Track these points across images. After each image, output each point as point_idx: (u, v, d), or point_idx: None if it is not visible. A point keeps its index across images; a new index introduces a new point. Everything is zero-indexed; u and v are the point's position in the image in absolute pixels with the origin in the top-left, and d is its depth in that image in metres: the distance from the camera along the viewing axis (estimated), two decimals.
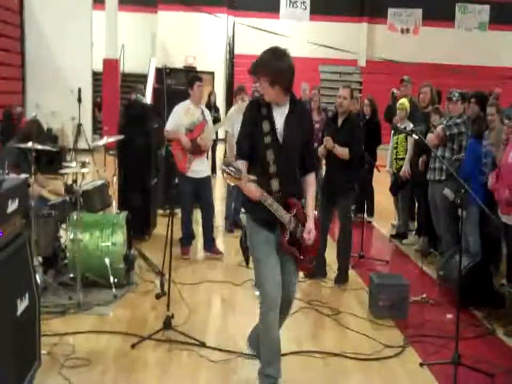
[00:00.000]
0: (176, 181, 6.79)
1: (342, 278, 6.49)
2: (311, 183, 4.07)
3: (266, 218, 3.83)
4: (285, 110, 3.90)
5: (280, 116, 3.88)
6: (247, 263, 4.12)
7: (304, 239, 3.93)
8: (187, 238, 7.23)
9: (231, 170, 3.48)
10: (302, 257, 3.99)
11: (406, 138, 8.14)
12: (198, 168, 7.01)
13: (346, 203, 6.55)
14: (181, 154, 6.95)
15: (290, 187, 3.90)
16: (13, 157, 5.57)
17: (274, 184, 3.83)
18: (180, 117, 6.97)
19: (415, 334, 5.17)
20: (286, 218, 3.83)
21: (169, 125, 7.00)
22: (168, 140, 7.41)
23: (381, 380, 4.43)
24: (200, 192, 7.14)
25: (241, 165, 3.74)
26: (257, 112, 3.87)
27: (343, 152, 6.31)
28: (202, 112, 7.17)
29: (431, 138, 6.84)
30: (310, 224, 3.96)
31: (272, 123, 3.85)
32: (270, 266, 3.88)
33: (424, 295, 6.02)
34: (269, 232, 3.90)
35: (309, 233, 3.93)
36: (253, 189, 3.64)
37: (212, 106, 12.15)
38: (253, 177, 3.64)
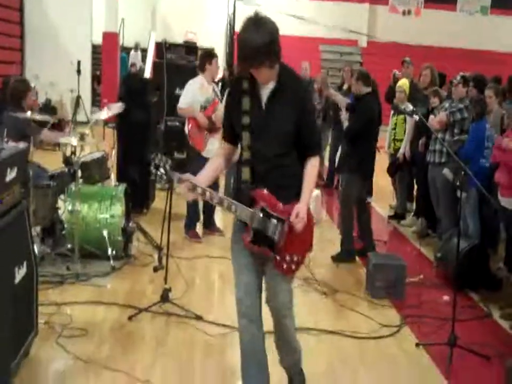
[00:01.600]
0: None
1: (337, 257, 6.49)
2: (309, 166, 3.32)
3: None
4: (271, 85, 3.21)
5: (264, 93, 3.23)
6: None
7: (283, 236, 3.24)
8: (194, 220, 7.07)
9: (161, 173, 3.14)
10: (277, 257, 3.26)
11: (405, 120, 8.11)
12: (211, 147, 6.68)
13: (344, 182, 6.56)
14: (197, 132, 6.72)
15: (268, 178, 3.22)
16: (10, 125, 5.50)
17: (245, 172, 3.22)
18: (195, 94, 6.71)
19: (411, 314, 5.17)
20: (244, 215, 3.20)
21: (184, 102, 6.72)
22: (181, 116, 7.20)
23: (377, 359, 4.44)
24: None
25: (214, 157, 3.48)
26: (239, 87, 3.25)
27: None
28: (214, 89, 7.02)
29: (433, 122, 6.80)
30: (300, 205, 3.23)
31: (252, 100, 3.22)
32: (238, 269, 3.39)
33: (421, 276, 6.02)
34: (240, 231, 3.33)
35: (296, 216, 3.19)
36: (182, 192, 3.16)
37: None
38: (185, 176, 3.18)
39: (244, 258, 3.34)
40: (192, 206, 6.94)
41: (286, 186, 3.27)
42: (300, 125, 3.23)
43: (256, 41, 2.99)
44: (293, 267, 3.32)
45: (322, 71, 10.93)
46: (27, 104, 5.87)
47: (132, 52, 19.41)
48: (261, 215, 3.20)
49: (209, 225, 7.20)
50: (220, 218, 7.69)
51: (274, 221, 3.21)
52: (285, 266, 3.28)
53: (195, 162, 6.33)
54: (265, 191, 3.21)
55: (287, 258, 3.28)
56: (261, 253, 3.27)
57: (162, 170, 3.11)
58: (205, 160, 6.74)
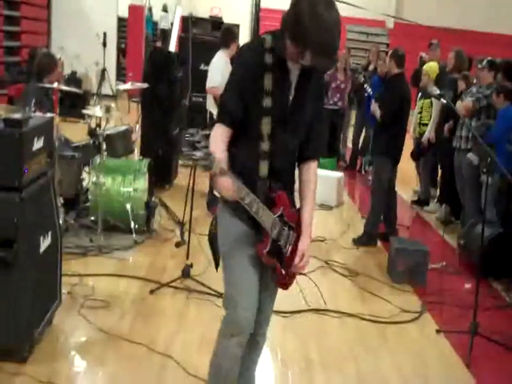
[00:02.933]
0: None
1: (359, 239, 6.46)
2: (312, 173, 2.83)
3: None
4: (299, 66, 2.61)
5: (293, 73, 2.65)
6: (217, 266, 2.91)
7: (292, 247, 2.76)
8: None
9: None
10: (283, 272, 2.75)
11: (431, 104, 8.00)
12: None
13: (376, 165, 6.55)
14: None
15: (284, 176, 2.75)
16: (36, 96, 5.50)
17: (263, 168, 2.62)
18: (224, 71, 6.48)
19: (432, 301, 5.14)
20: (268, 222, 2.61)
21: (217, 80, 6.47)
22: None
23: (397, 343, 4.42)
24: None
25: (220, 142, 2.62)
26: (260, 60, 2.57)
27: (377, 115, 6.37)
28: None
29: (459, 108, 6.70)
30: (304, 243, 2.75)
31: (278, 79, 2.59)
32: (246, 275, 2.72)
33: (444, 263, 5.97)
34: (249, 228, 2.69)
35: (301, 257, 2.74)
36: (227, 185, 2.41)
37: None
38: (225, 168, 2.40)
39: (253, 265, 2.73)
40: None
41: (290, 184, 2.82)
42: (314, 118, 2.76)
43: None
44: (289, 282, 2.86)
45: (344, 51, 10.79)
46: (51, 79, 5.83)
47: (162, 13, 19.09)
48: (280, 222, 2.68)
49: None
50: None
51: (288, 230, 2.73)
52: (286, 281, 2.82)
53: None
54: (284, 193, 2.71)
55: (290, 273, 2.80)
56: (273, 265, 2.72)
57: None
58: None
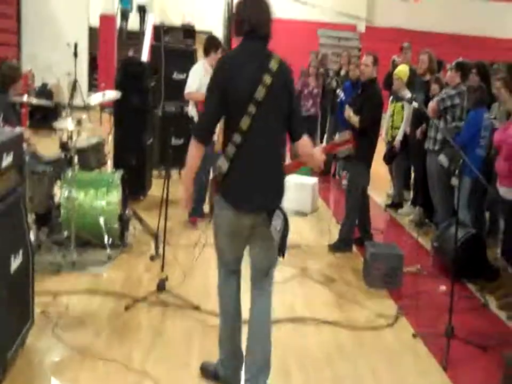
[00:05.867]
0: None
1: (334, 246, 6.47)
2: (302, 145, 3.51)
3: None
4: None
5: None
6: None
7: None
8: (199, 202, 6.99)
9: None
10: None
11: (403, 107, 8.06)
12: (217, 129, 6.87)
13: (352, 172, 6.56)
14: None
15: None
16: (2, 109, 5.43)
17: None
18: (202, 77, 6.67)
19: (408, 304, 5.16)
20: None
21: (193, 86, 6.72)
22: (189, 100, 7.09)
23: (374, 349, 4.43)
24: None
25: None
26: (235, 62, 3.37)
27: (354, 120, 6.29)
28: None
29: (429, 110, 6.76)
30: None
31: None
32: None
33: (419, 266, 6.01)
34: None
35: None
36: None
37: None
38: None
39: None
40: (201, 188, 6.92)
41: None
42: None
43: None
44: None
45: (312, 56, 10.86)
46: (16, 91, 5.77)
47: None
48: None
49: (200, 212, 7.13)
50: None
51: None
52: None
53: None
54: None
55: None
56: None
57: None
58: (212, 142, 6.78)
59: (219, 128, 6.76)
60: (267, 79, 3.27)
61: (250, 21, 3.31)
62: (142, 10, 18.18)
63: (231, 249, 3.59)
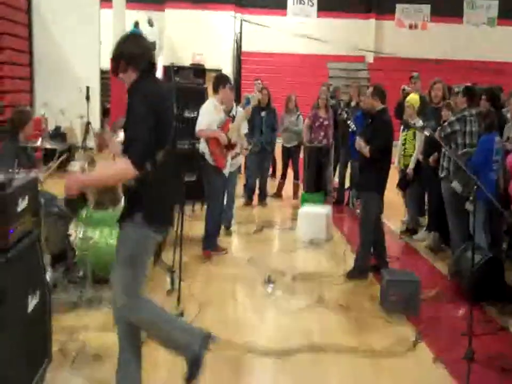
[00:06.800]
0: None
1: (350, 274, 6.46)
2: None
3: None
4: None
5: None
6: None
7: None
8: (212, 236, 7.11)
9: None
10: None
11: (414, 135, 8.10)
12: (228, 163, 7.06)
13: (364, 200, 6.58)
14: (219, 151, 6.87)
15: None
16: (13, 154, 5.54)
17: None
18: (212, 115, 6.90)
19: (427, 330, 5.13)
20: None
21: (204, 124, 6.87)
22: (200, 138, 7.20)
23: (393, 376, 4.39)
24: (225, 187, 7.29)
25: None
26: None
27: (365, 150, 6.34)
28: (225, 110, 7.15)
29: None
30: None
31: None
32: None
33: (436, 291, 5.97)
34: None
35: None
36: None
37: None
38: None
39: None
40: (215, 221, 7.04)
41: None
42: None
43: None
44: None
45: (322, 88, 11.00)
46: (25, 135, 5.89)
47: (148, 28, 19.16)
48: None
49: (214, 245, 7.19)
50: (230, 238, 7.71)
51: None
52: None
53: (215, 178, 6.87)
54: None
55: None
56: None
57: None
58: (223, 176, 6.90)
59: (212, 146, 6.88)
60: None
61: (148, 55, 3.63)
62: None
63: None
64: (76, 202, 3.69)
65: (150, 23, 19.66)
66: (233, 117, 7.21)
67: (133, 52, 3.57)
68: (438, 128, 6.94)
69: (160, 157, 3.42)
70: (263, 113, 9.87)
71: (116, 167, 3.43)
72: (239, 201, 10.52)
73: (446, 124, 6.83)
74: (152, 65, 3.63)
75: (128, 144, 3.40)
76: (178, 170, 3.65)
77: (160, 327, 3.72)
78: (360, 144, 6.41)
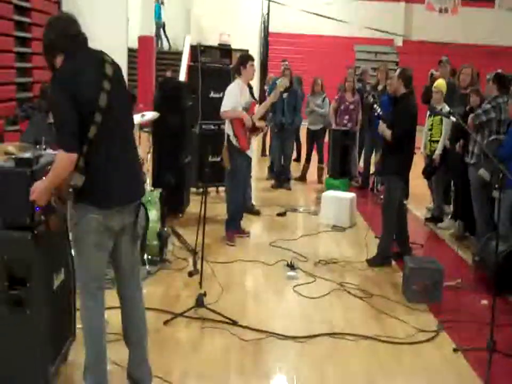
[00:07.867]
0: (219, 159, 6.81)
1: (373, 260, 6.43)
2: None
3: None
4: None
5: None
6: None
7: None
8: (236, 219, 7.15)
9: None
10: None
11: (441, 121, 8.00)
12: (251, 146, 7.10)
13: (387, 186, 6.53)
14: (243, 132, 6.87)
15: None
16: (41, 131, 5.56)
17: None
18: (237, 97, 6.89)
19: (449, 319, 5.10)
20: None
21: (229, 105, 6.88)
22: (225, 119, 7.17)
23: (414, 364, 4.38)
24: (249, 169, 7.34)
25: None
26: None
27: (387, 134, 6.30)
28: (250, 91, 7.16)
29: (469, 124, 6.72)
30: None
31: None
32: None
33: (459, 280, 5.93)
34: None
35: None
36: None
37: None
38: None
39: None
40: (238, 203, 7.06)
41: None
42: None
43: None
44: None
45: (349, 71, 10.92)
46: None
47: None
48: None
49: (237, 228, 7.22)
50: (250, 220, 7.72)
51: None
52: None
53: (239, 159, 6.85)
54: None
55: None
56: None
57: None
58: (247, 157, 6.91)
59: (237, 128, 6.90)
60: (106, 85, 3.34)
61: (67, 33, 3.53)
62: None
63: (102, 261, 3.63)
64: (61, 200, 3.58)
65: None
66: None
67: (50, 38, 3.44)
68: (471, 115, 6.83)
69: (93, 133, 3.24)
70: (284, 95, 9.80)
71: (55, 160, 3.28)
72: (265, 183, 10.54)
73: (480, 111, 6.72)
74: (75, 38, 3.55)
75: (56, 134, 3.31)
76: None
77: (87, 339, 3.69)
78: (383, 128, 6.36)
